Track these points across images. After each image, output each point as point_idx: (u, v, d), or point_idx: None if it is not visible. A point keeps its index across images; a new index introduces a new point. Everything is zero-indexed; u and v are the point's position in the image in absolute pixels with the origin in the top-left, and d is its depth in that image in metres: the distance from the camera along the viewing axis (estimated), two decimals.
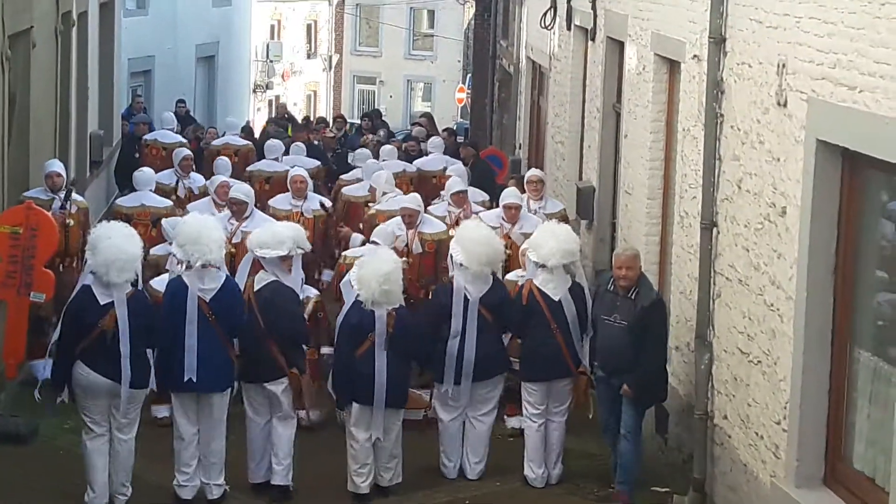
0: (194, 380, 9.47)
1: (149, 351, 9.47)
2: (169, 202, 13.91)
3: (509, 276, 11.32)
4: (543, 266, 10.29)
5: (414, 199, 12.89)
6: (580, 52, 15.65)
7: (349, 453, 9.98)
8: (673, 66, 11.46)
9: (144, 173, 14.19)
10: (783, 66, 8.33)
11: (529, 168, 19.59)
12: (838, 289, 7.91)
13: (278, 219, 12.43)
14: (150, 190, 13.86)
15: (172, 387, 9.65)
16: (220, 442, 9.72)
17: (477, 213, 13.24)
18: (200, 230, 9.56)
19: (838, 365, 7.94)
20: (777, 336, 8.44)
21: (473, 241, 10.39)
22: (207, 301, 9.51)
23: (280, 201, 14.16)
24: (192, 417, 9.64)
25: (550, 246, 10.26)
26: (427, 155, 17.70)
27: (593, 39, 14.68)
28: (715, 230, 9.70)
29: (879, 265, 7.67)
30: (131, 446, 9.47)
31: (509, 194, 13.15)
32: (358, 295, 9.86)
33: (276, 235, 10.07)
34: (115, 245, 9.19)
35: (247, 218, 12.80)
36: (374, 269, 9.85)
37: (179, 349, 9.50)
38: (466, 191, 13.88)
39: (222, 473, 9.73)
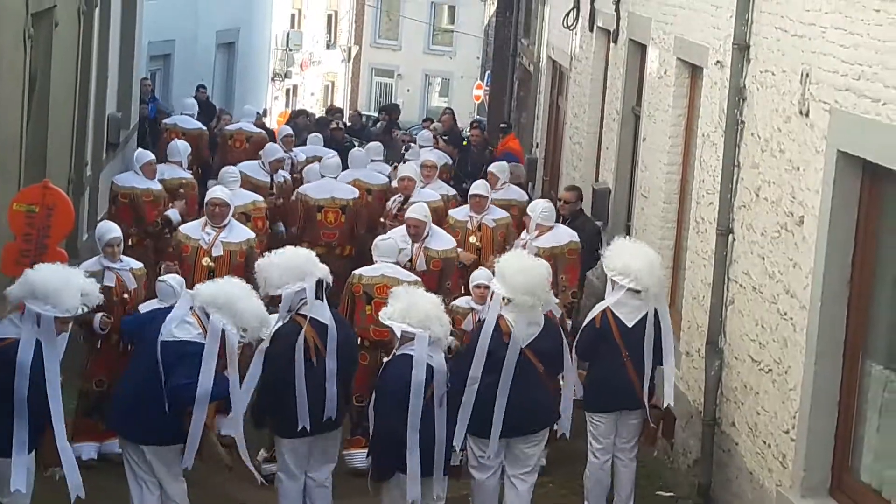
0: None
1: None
2: (157, 185, 13.52)
3: (458, 303, 10.38)
4: (619, 286, 9.38)
5: (421, 210, 11.56)
6: (602, 53, 15.64)
7: None
8: (695, 71, 11.45)
9: (139, 153, 14.00)
10: (807, 75, 8.31)
11: (546, 167, 19.69)
12: (853, 300, 7.89)
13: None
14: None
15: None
16: None
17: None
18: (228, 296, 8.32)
19: (849, 376, 7.93)
20: (789, 345, 8.43)
21: (513, 269, 8.95)
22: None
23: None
24: None
25: (649, 274, 9.34)
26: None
27: (615, 41, 14.66)
28: (731, 237, 9.69)
29: (895, 278, 7.65)
30: None
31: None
32: (413, 340, 8.16)
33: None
34: None
35: (226, 226, 11.41)
36: (431, 305, 8.31)
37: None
38: (486, 196, 12.76)
39: None
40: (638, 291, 9.38)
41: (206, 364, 8.12)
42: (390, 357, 8.38)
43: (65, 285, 7.83)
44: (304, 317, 8.75)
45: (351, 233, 13.53)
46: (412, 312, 8.18)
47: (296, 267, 8.79)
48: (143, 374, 8.24)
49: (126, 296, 10.16)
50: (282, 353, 8.66)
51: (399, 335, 8.22)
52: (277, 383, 8.68)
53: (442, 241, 11.63)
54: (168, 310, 8.55)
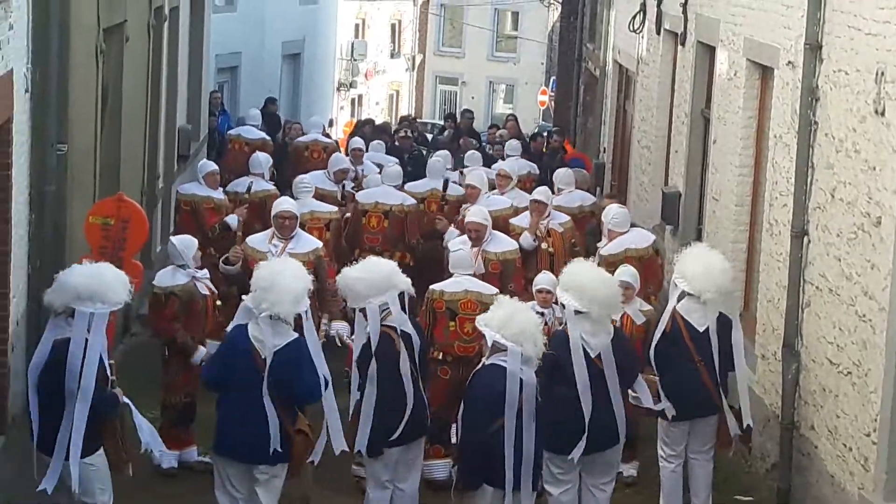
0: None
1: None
2: (219, 194, 13.59)
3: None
4: (676, 288, 9.33)
5: (480, 213, 11.57)
6: (669, 56, 15.56)
7: None
8: (766, 73, 11.36)
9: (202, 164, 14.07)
10: (882, 73, 8.22)
11: (614, 171, 19.62)
12: None
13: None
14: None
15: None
16: None
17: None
18: (274, 277, 8.26)
19: None
20: (868, 347, 8.33)
21: (592, 280, 8.78)
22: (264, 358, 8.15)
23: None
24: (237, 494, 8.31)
25: (704, 279, 9.20)
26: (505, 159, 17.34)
27: (683, 44, 14.58)
28: (806, 239, 9.60)
29: None
30: None
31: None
32: (504, 352, 8.00)
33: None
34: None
35: (293, 237, 11.38)
36: (530, 323, 8.08)
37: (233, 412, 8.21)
38: (545, 202, 12.65)
39: None
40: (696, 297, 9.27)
41: (317, 358, 8.28)
42: (479, 366, 8.29)
43: (105, 281, 8.00)
44: (394, 328, 8.77)
45: (400, 239, 13.38)
46: (510, 324, 8.02)
47: (379, 279, 8.79)
48: (247, 393, 8.14)
49: (219, 302, 10.31)
50: (390, 369, 8.69)
51: (490, 344, 8.13)
52: (383, 398, 8.68)
53: (501, 243, 11.54)
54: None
